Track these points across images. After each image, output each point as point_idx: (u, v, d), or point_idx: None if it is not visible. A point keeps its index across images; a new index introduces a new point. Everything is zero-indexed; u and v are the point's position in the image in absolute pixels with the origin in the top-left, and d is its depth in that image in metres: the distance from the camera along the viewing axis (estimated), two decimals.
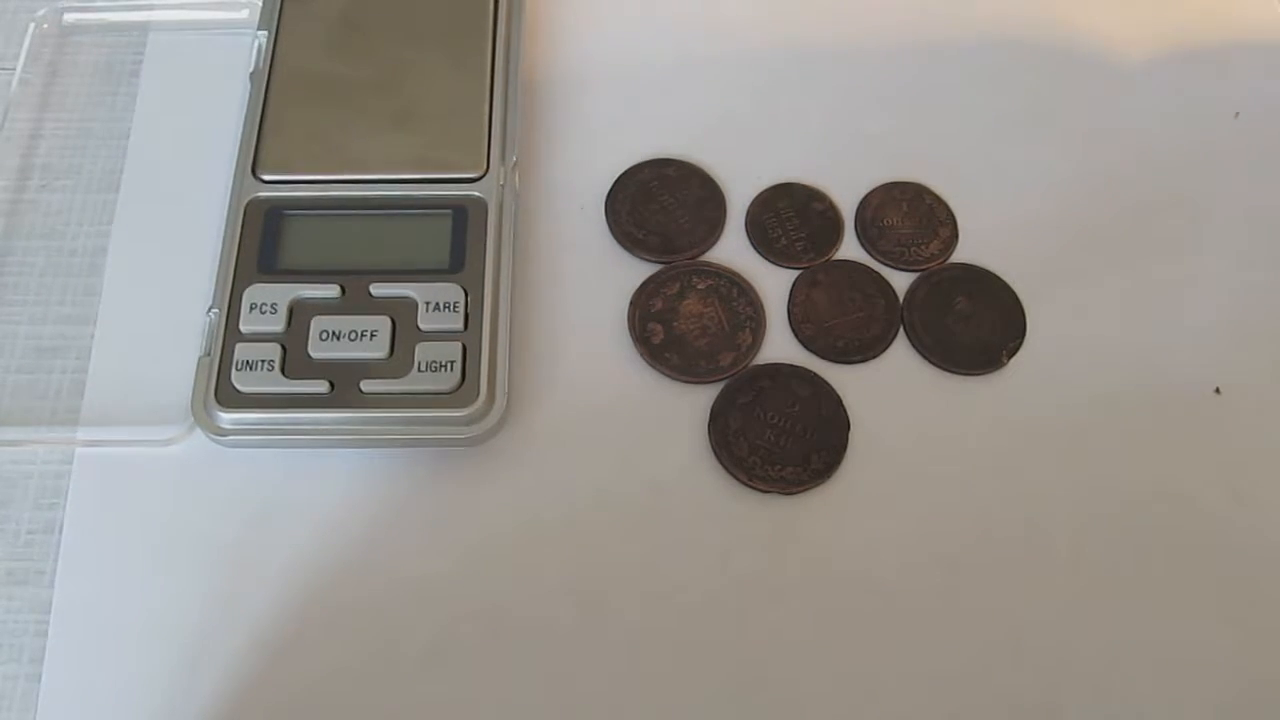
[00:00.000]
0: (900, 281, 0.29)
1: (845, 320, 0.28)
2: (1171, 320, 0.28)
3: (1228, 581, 0.25)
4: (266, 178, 0.27)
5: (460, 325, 0.26)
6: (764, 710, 0.24)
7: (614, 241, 0.29)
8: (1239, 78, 0.32)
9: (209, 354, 0.25)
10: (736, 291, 0.28)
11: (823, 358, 0.28)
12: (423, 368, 0.25)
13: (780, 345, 0.28)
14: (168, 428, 0.26)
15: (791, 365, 0.27)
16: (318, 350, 0.25)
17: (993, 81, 0.32)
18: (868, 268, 0.29)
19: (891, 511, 0.26)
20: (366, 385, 0.25)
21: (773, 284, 0.29)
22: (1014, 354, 0.28)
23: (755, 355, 0.27)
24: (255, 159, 0.28)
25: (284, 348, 0.25)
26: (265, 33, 0.30)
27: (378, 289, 0.26)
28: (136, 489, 0.26)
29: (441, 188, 0.27)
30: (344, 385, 0.25)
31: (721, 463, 0.26)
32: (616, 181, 0.30)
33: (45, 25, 0.32)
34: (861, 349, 0.28)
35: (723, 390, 0.27)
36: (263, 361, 0.25)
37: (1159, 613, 0.25)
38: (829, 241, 0.29)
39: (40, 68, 0.31)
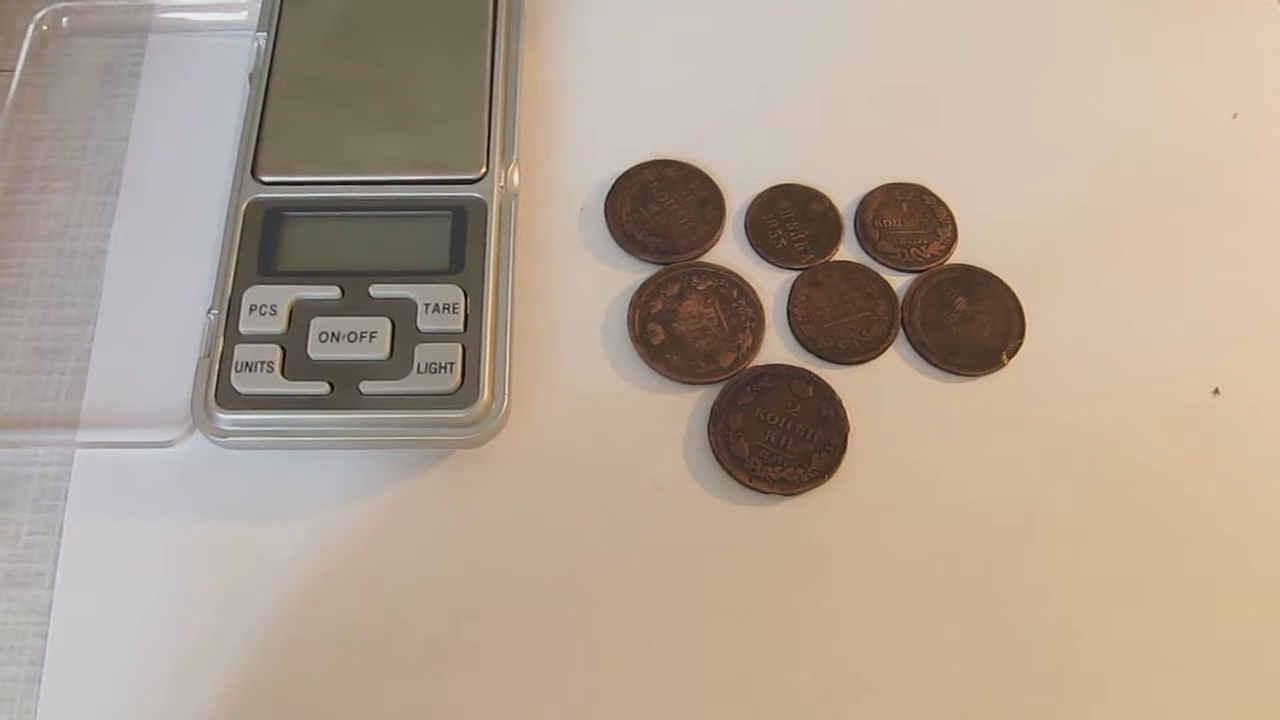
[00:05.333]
0: (900, 282, 0.29)
1: (845, 321, 0.28)
2: (1171, 320, 0.28)
3: (1228, 581, 0.25)
4: (266, 179, 0.27)
5: (460, 326, 0.26)
6: (764, 710, 0.24)
7: (614, 242, 0.29)
8: (1239, 78, 0.32)
9: (209, 355, 0.25)
10: (737, 292, 0.28)
11: (823, 358, 0.28)
12: (422, 369, 0.25)
13: (780, 346, 0.28)
14: (167, 429, 0.26)
15: (792, 366, 0.27)
16: (317, 351, 0.25)
17: (993, 82, 0.32)
18: (868, 268, 0.29)
19: (891, 512, 0.26)
20: (366, 386, 0.25)
21: (773, 285, 0.29)
22: (1014, 354, 0.28)
23: (755, 356, 0.27)
24: (255, 160, 0.28)
25: (284, 349, 0.25)
26: (265, 33, 0.30)
27: (377, 290, 0.26)
28: (136, 490, 0.26)
29: (441, 189, 0.27)
30: (344, 386, 0.25)
31: (722, 463, 0.26)
32: (616, 182, 0.30)
33: (45, 26, 0.32)
34: (862, 349, 0.28)
35: (723, 391, 0.27)
36: (262, 363, 0.25)
37: (1159, 612, 0.25)
38: (829, 242, 0.29)
39: (40, 69, 0.31)
